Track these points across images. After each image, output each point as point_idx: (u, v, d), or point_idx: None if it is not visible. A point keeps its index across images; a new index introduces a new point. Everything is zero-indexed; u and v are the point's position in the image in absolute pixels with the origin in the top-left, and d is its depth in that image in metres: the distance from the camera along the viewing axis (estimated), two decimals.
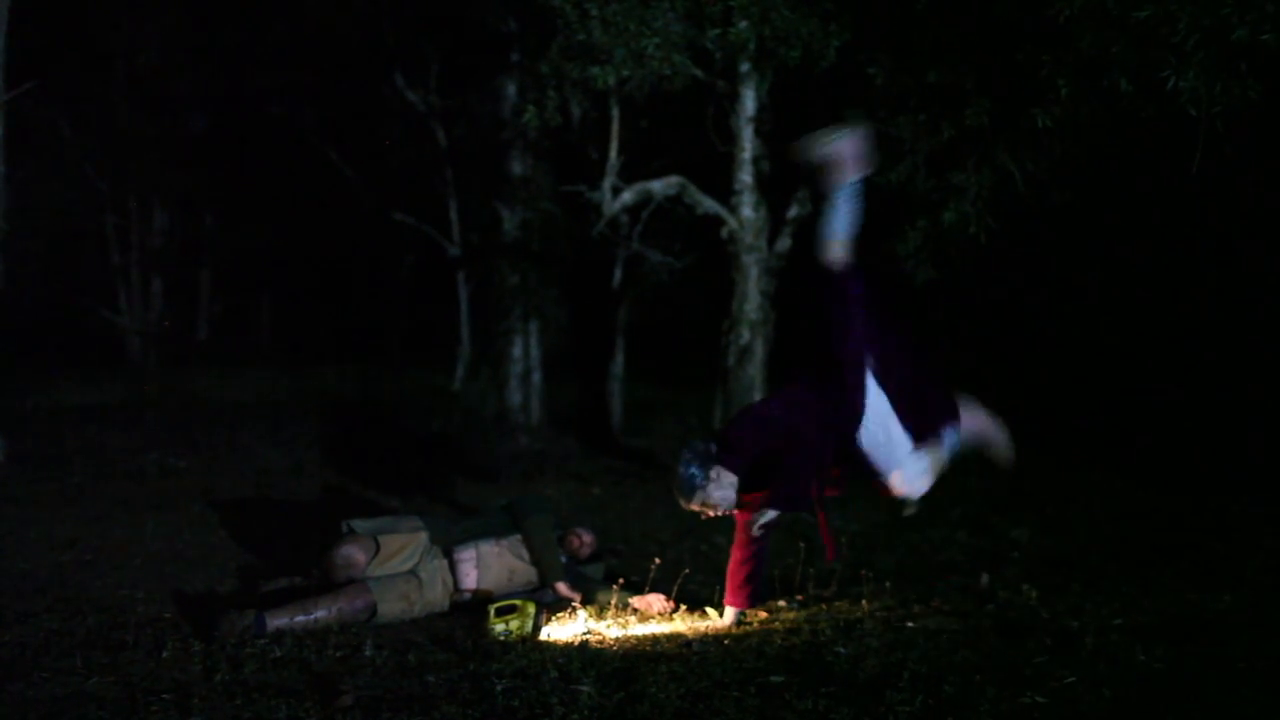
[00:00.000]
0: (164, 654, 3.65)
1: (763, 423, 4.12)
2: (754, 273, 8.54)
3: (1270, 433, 8.56)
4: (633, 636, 4.15)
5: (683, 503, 4.12)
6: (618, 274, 11.74)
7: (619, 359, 11.82)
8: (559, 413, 11.72)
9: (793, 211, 8.85)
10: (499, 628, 4.04)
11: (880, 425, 4.05)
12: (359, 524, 4.51)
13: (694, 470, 4.06)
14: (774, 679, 3.48)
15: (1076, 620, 4.15)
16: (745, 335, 8.54)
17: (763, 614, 4.53)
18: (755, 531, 4.12)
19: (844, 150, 4.03)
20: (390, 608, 4.25)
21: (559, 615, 4.42)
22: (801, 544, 5.63)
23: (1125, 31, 5.24)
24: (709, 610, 4.54)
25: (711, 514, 4.16)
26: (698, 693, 3.33)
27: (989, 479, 8.08)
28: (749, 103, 8.48)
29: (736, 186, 8.55)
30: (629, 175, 9.28)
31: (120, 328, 14.94)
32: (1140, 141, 6.69)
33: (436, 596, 4.43)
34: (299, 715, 3.11)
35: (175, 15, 14.12)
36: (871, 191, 7.57)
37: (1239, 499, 6.96)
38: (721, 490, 4.09)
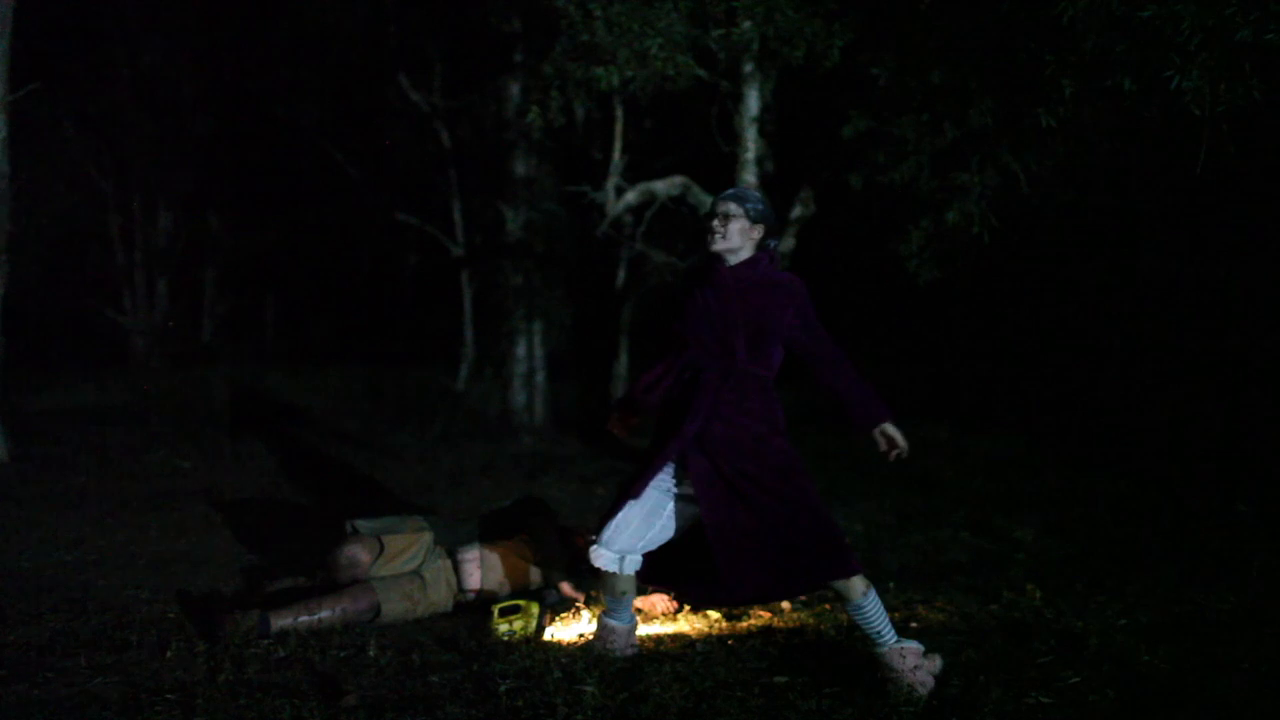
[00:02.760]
0: (168, 654, 3.65)
1: None
2: None
3: (1274, 432, 8.54)
4: (636, 637, 4.15)
5: None
6: (621, 274, 11.74)
7: (623, 359, 11.82)
8: (563, 413, 11.72)
9: (796, 212, 8.85)
10: (503, 628, 4.04)
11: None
12: (363, 524, 4.52)
13: None
14: (777, 679, 3.48)
15: (1081, 620, 4.15)
16: None
17: (765, 614, 4.53)
18: None
19: None
20: (394, 608, 4.25)
21: (563, 616, 4.42)
22: None
23: (1129, 31, 5.24)
24: (711, 611, 4.54)
25: None
26: (701, 693, 3.33)
27: (994, 480, 8.09)
28: (753, 103, 8.48)
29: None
30: (632, 175, 9.29)
31: (125, 328, 14.95)
32: (1144, 141, 6.68)
33: (440, 597, 4.43)
34: (303, 716, 3.11)
35: (180, 16, 14.13)
36: (875, 191, 7.64)
37: (1243, 499, 6.94)
38: None
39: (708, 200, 8.64)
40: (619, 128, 9.25)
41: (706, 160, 9.16)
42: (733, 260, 3.66)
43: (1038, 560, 5.68)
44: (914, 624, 4.22)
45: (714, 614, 4.50)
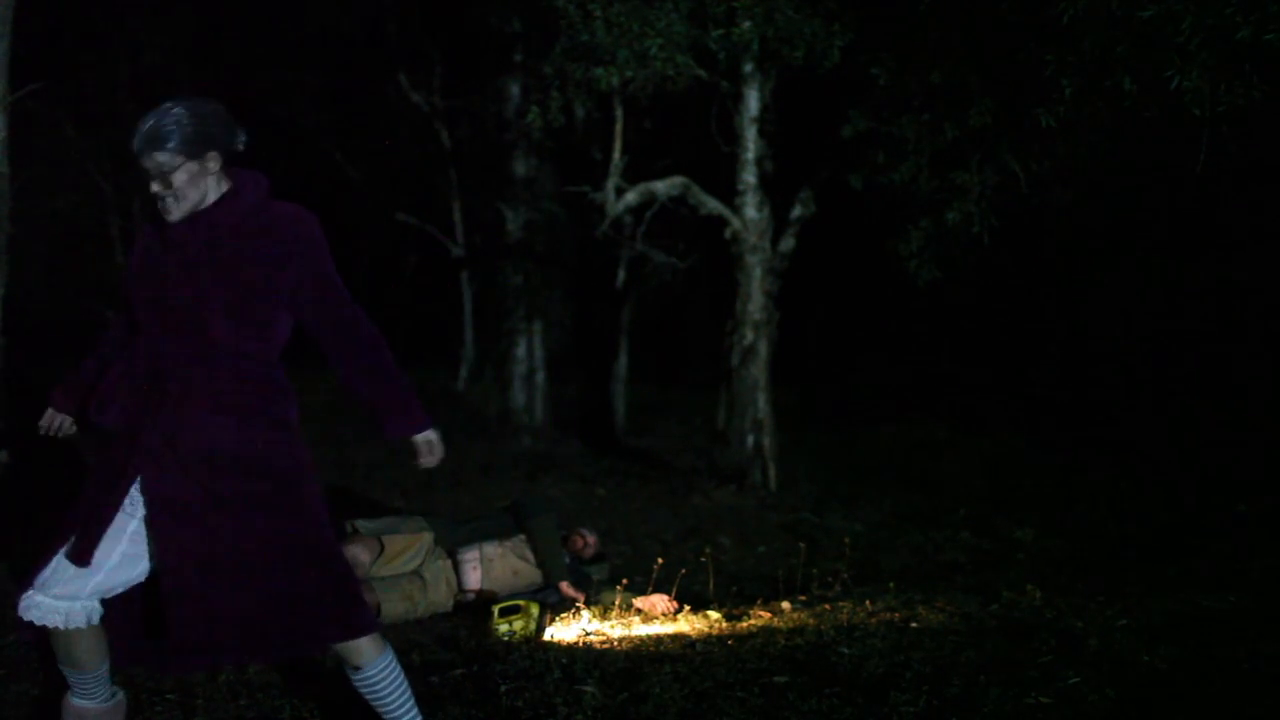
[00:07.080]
0: None
1: None
2: (757, 273, 8.54)
3: (1272, 432, 8.54)
4: (636, 637, 4.15)
5: None
6: (621, 274, 11.73)
7: (622, 359, 11.82)
8: (563, 413, 11.72)
9: (796, 212, 8.85)
10: (503, 628, 4.04)
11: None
12: (363, 524, 4.52)
13: None
14: (778, 679, 3.48)
15: (1080, 621, 4.14)
16: (749, 336, 8.54)
17: (765, 614, 4.54)
18: None
19: None
20: (394, 608, 4.25)
21: (563, 616, 4.42)
22: (802, 544, 5.63)
23: (1129, 31, 5.24)
24: (711, 611, 4.54)
25: None
26: (701, 693, 3.33)
27: (994, 480, 8.09)
28: (752, 103, 8.47)
29: (740, 187, 8.55)
30: (632, 176, 9.27)
31: None
32: (1144, 141, 6.68)
33: (440, 597, 4.43)
34: (303, 715, 3.11)
35: (180, 16, 14.13)
36: (875, 191, 7.64)
37: (1243, 499, 6.95)
38: None
39: (708, 200, 8.64)
40: (619, 128, 9.23)
41: (706, 160, 9.16)
42: (203, 207, 2.61)
43: (1038, 560, 5.68)
44: (914, 624, 4.22)
45: (714, 614, 4.50)
